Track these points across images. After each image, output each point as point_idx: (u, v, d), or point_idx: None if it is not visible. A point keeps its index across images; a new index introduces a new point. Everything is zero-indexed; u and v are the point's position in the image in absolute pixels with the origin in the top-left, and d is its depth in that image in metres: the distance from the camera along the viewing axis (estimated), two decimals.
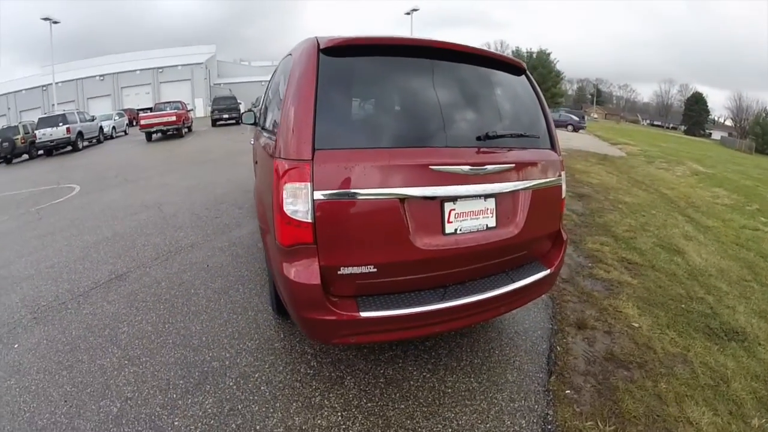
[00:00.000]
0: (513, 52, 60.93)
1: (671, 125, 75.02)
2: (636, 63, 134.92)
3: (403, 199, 1.67)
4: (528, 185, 1.97)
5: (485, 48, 2.14)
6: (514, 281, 1.96)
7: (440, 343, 2.45)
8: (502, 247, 1.92)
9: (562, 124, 29.20)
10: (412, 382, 2.12)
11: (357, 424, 1.86)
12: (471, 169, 1.75)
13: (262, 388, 2.09)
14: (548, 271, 2.12)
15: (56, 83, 27.73)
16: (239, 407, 1.96)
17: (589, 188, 7.64)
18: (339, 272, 1.66)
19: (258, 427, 1.84)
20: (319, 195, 1.57)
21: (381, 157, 1.65)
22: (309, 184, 1.56)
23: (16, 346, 2.61)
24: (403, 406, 1.97)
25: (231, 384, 2.11)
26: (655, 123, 71.90)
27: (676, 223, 5.87)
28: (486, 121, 1.99)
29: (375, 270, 1.69)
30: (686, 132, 63.71)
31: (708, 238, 5.45)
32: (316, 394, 2.03)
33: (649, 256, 4.27)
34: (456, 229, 1.80)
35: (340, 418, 1.89)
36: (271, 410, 1.94)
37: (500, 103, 2.11)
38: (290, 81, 1.79)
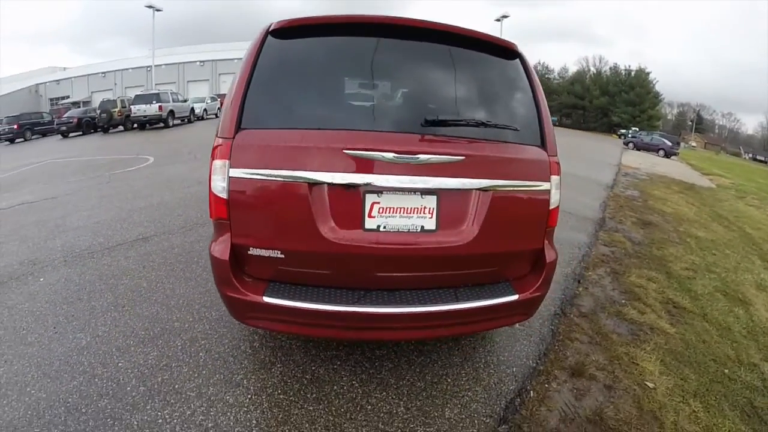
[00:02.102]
0: (611, 68, 56.55)
1: None
2: (743, 91, 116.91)
3: (313, 185, 1.56)
4: (486, 185, 1.66)
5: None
6: (459, 301, 1.68)
7: (390, 355, 2.22)
8: (444, 256, 1.67)
9: (653, 148, 26.58)
10: (335, 387, 1.96)
11: (258, 411, 1.80)
12: (396, 157, 1.54)
13: (200, 354, 2.16)
14: (515, 297, 1.76)
15: (160, 66, 31.55)
16: (173, 365, 2.08)
17: (658, 216, 6.77)
18: (249, 252, 1.63)
19: (176, 386, 1.93)
20: (234, 173, 1.58)
21: (292, 138, 1.58)
22: (227, 161, 1.58)
23: (41, 279, 3.10)
24: (311, 408, 1.83)
25: (178, 344, 2.25)
26: (758, 158, 61.04)
27: (752, 267, 4.90)
28: (442, 106, 1.74)
29: (283, 256, 1.61)
30: None
31: None
32: (241, 372, 2.02)
33: (703, 302, 3.57)
34: (379, 226, 1.61)
35: (247, 400, 1.85)
36: (195, 375, 2.00)
37: (469, 88, 1.83)
38: (240, 64, 1.79)
